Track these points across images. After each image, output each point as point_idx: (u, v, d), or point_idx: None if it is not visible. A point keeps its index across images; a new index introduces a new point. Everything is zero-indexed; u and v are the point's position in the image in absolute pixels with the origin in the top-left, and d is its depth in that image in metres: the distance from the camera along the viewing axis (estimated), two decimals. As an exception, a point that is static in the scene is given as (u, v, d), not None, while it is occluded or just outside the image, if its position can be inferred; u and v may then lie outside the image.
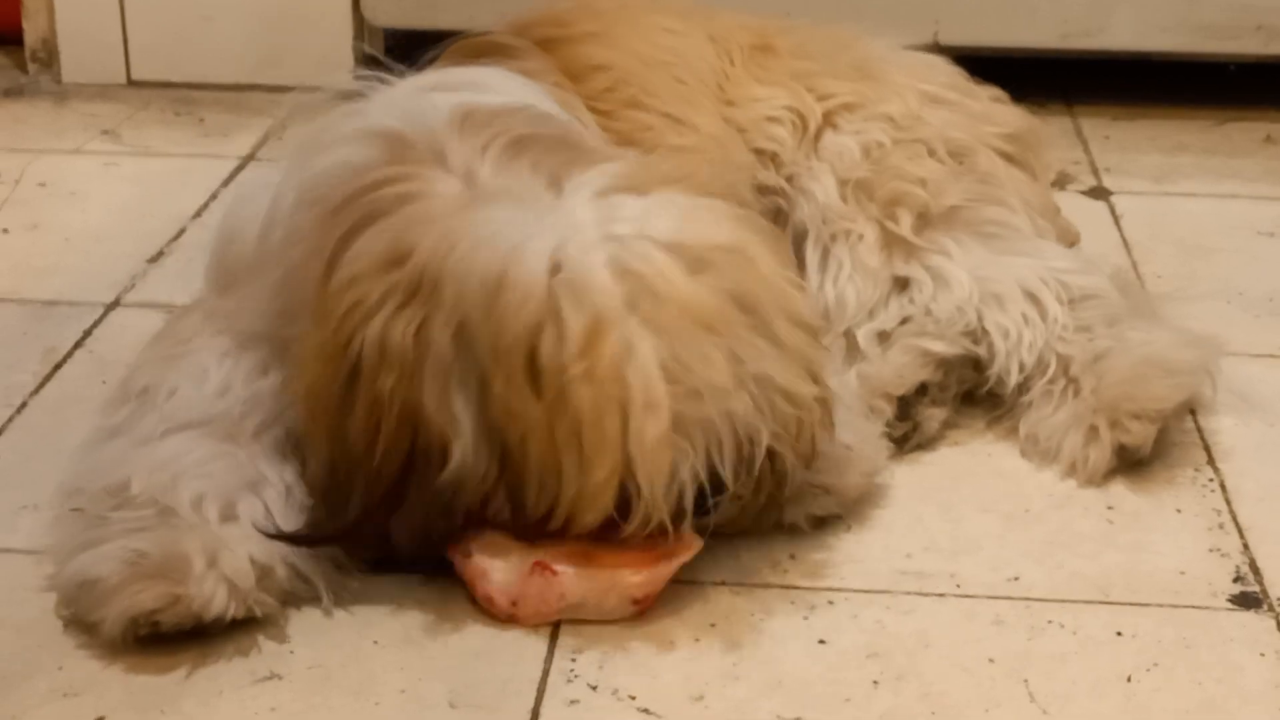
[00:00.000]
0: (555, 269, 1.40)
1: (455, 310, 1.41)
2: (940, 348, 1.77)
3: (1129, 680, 1.42)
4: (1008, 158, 1.94)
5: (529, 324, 1.39)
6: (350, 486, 1.45)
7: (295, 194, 1.58)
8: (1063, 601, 1.52)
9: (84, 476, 1.55)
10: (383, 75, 1.67)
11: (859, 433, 1.64)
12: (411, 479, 1.44)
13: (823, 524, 1.59)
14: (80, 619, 1.45)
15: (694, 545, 1.48)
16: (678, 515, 1.44)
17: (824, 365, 1.50)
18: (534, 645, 1.45)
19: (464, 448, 1.42)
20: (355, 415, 1.43)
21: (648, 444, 1.39)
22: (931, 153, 1.88)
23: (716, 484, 1.46)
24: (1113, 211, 2.35)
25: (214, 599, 1.43)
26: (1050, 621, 1.49)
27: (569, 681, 1.41)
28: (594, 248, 1.41)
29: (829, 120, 1.89)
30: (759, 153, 1.88)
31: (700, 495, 1.45)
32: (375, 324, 1.42)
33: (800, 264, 1.83)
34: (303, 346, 1.48)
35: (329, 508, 1.47)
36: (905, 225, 1.83)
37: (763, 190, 1.87)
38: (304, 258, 1.53)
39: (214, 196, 2.35)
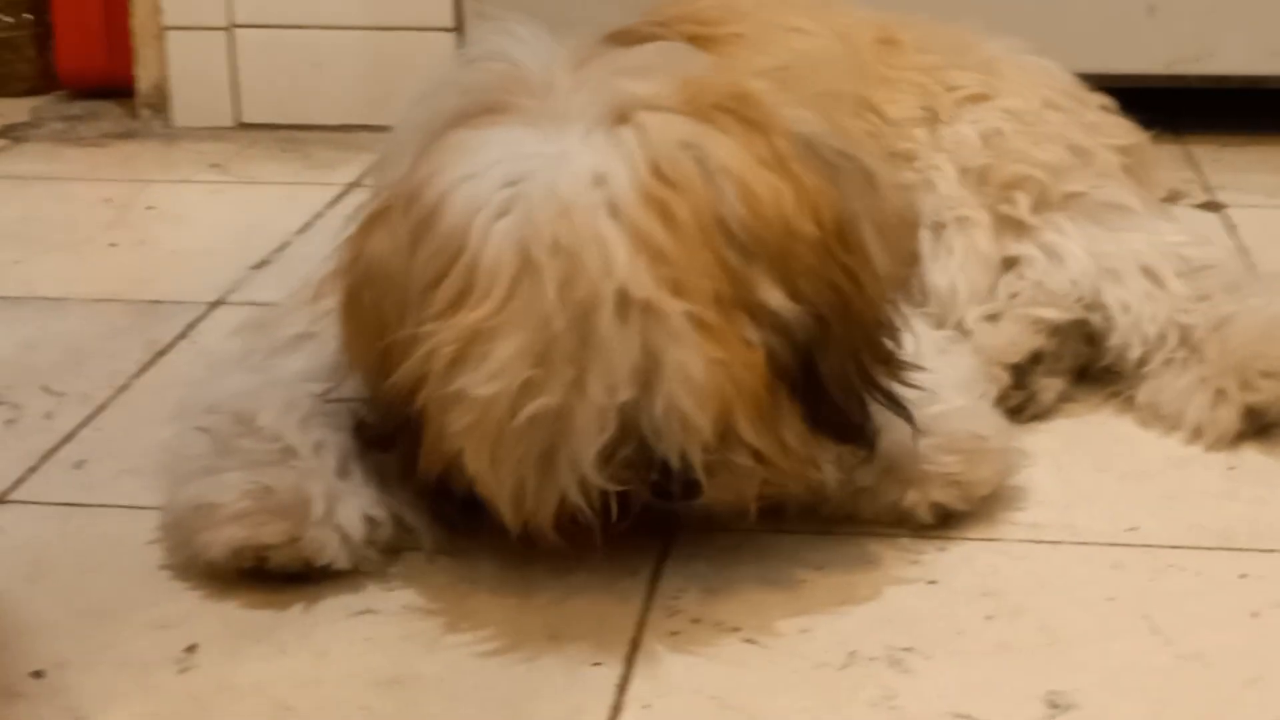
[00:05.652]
0: (485, 212, 1.32)
1: (408, 235, 1.35)
2: (1052, 314, 1.73)
3: (1255, 615, 1.37)
4: (1123, 168, 1.91)
5: (432, 270, 1.33)
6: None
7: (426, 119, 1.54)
8: (1184, 548, 1.47)
9: (215, 401, 1.54)
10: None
11: (995, 426, 1.55)
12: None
13: (947, 519, 1.49)
14: (184, 539, 1.43)
15: None
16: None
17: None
18: (636, 584, 1.41)
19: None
20: (355, 330, 1.42)
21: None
22: (1052, 142, 1.84)
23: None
24: (1227, 222, 2.31)
25: (326, 547, 1.41)
26: (1171, 565, 1.44)
27: (670, 615, 1.37)
28: (538, 204, 1.30)
29: (955, 111, 1.86)
30: (896, 155, 1.81)
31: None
32: (372, 238, 1.39)
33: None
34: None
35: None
36: (1023, 207, 1.79)
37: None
38: None
39: (319, 215, 2.36)
